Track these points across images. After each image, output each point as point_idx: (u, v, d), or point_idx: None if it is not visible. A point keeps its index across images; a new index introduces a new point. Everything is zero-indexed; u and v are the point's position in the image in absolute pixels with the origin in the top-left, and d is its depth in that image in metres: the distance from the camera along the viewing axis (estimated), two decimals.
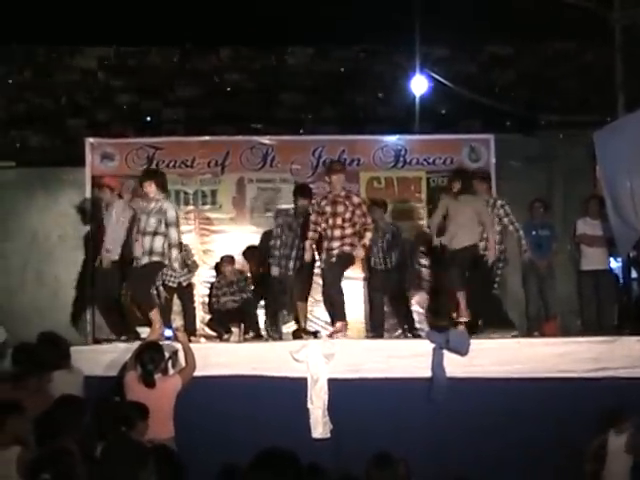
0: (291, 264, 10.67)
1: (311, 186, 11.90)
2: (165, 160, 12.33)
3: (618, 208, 10.14)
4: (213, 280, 11.83)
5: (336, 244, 9.86)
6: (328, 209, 9.98)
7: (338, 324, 9.78)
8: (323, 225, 9.98)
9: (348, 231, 9.89)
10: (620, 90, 14.59)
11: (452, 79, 19.69)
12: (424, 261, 12.17)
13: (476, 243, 10.10)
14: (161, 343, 8.63)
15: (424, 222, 12.25)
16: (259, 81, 25.00)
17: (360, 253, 10.08)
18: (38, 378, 7.56)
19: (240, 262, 11.84)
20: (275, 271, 10.67)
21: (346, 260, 10.03)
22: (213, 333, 11.40)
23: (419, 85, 19.83)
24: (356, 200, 10.12)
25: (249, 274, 11.68)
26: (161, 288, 11.23)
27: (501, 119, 20.19)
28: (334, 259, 9.87)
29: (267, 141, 12.61)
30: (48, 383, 7.60)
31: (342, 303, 9.91)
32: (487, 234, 10.19)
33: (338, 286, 9.91)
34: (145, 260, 9.29)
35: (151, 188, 9.45)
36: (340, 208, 9.92)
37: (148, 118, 24.78)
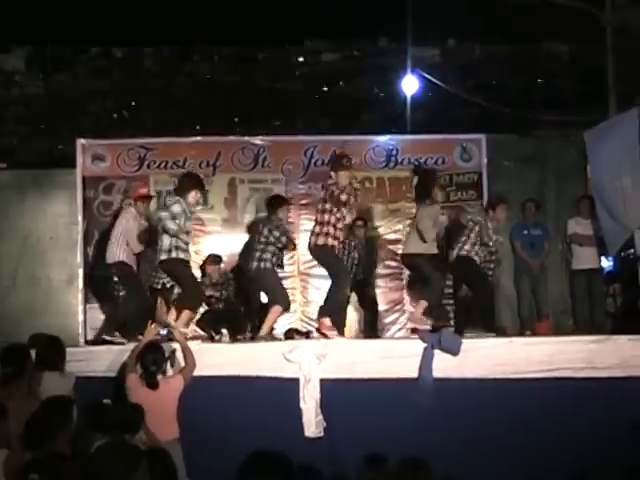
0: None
1: (301, 187, 11.98)
2: (156, 161, 12.33)
3: (608, 207, 10.18)
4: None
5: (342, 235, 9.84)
6: (343, 198, 9.51)
7: None
8: (338, 215, 9.54)
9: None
10: (612, 90, 14.61)
11: (444, 79, 19.70)
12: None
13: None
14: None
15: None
16: (253, 80, 24.99)
17: None
18: (29, 379, 7.52)
19: (228, 262, 11.88)
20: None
21: None
22: (204, 333, 11.38)
23: (410, 85, 19.80)
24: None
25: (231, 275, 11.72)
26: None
27: (493, 119, 20.20)
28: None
29: (259, 141, 12.58)
30: (38, 385, 7.56)
31: None
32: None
33: None
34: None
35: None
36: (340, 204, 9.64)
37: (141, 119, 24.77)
